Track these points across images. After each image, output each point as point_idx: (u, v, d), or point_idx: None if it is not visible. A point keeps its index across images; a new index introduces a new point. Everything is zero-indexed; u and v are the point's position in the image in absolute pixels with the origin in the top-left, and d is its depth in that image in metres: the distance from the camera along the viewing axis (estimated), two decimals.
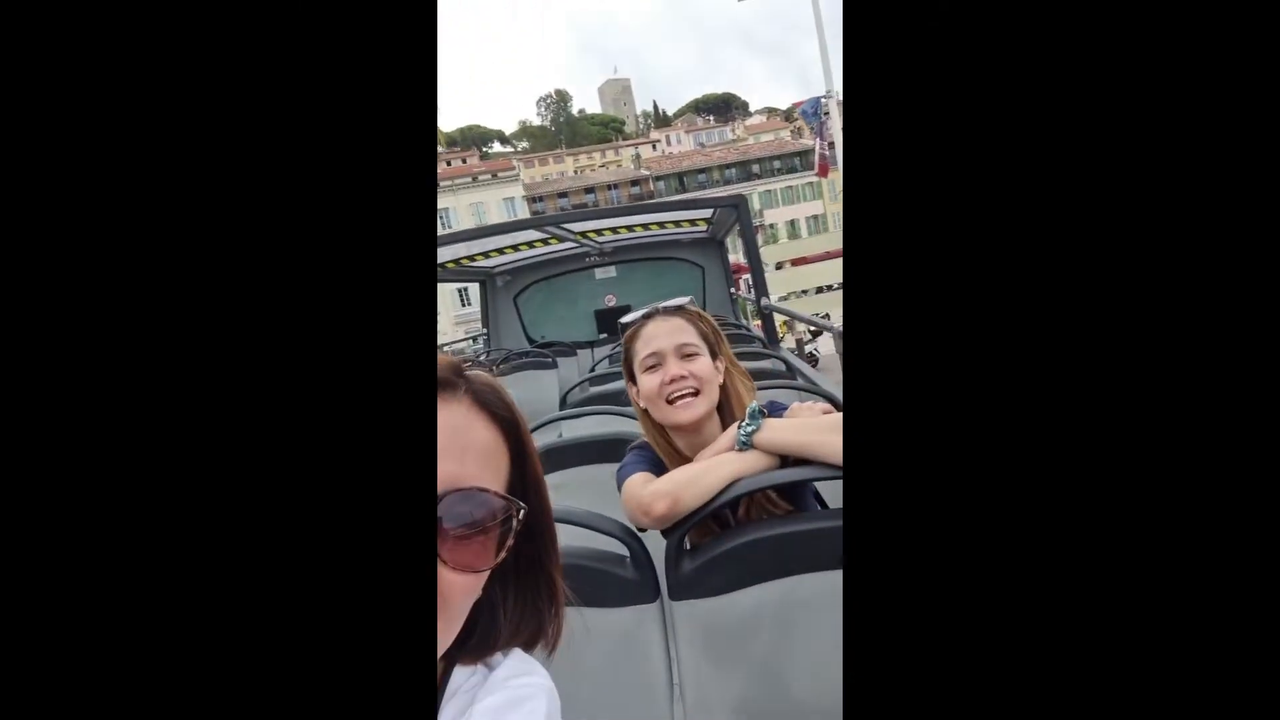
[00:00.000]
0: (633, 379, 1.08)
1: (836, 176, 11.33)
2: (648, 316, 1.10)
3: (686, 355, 1.03)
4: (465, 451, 0.44)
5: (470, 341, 6.97)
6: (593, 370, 3.07)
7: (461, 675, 0.49)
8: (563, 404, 2.31)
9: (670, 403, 1.01)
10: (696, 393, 1.01)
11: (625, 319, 1.13)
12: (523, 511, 0.46)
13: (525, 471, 0.49)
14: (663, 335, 1.05)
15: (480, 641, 0.50)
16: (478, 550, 0.44)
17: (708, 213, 4.23)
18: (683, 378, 1.01)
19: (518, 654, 0.52)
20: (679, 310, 1.10)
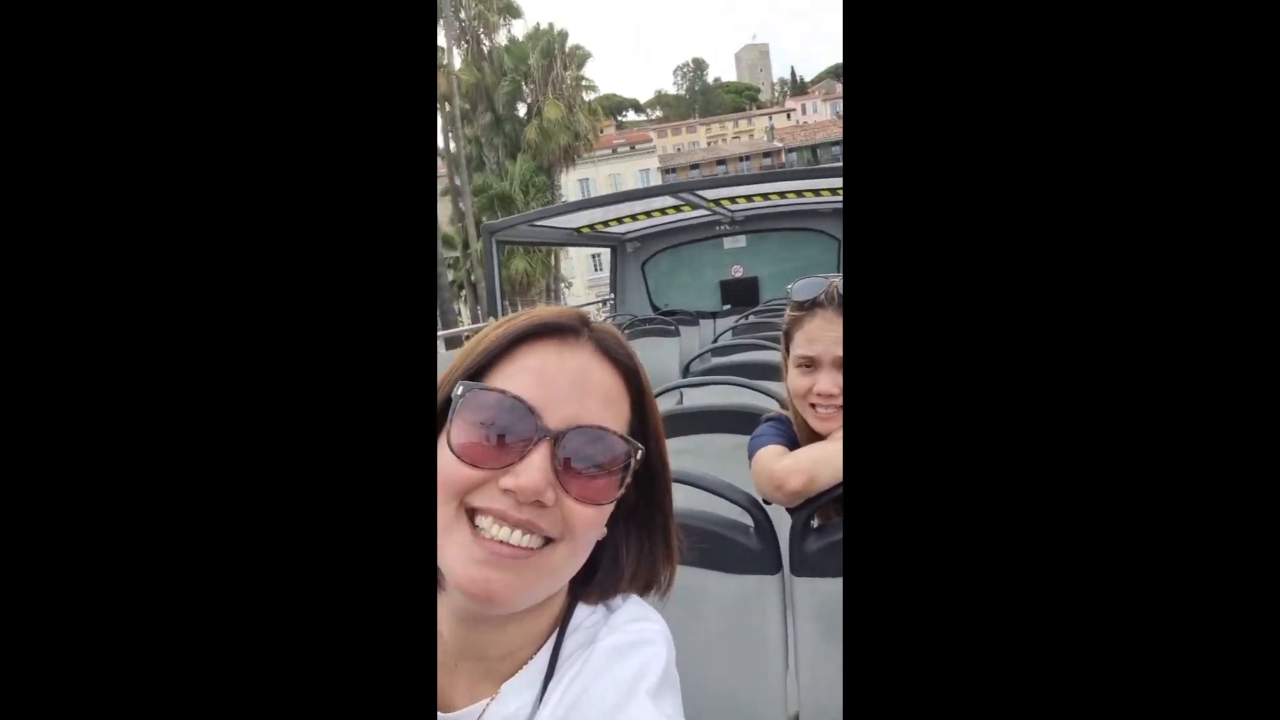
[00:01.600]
0: (787, 355, 1.00)
1: None
2: (817, 304, 0.95)
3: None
4: (586, 393, 0.46)
5: (600, 305, 7.16)
6: (716, 340, 3.03)
7: (583, 613, 0.51)
8: (685, 372, 2.30)
9: (812, 406, 0.94)
10: (841, 408, 0.91)
11: (796, 290, 0.99)
12: (640, 452, 0.47)
13: (645, 417, 0.50)
14: (826, 340, 0.93)
15: (603, 580, 0.51)
16: (599, 486, 0.45)
17: None
18: (831, 395, 0.92)
19: (636, 599, 0.53)
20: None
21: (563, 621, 0.50)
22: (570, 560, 0.47)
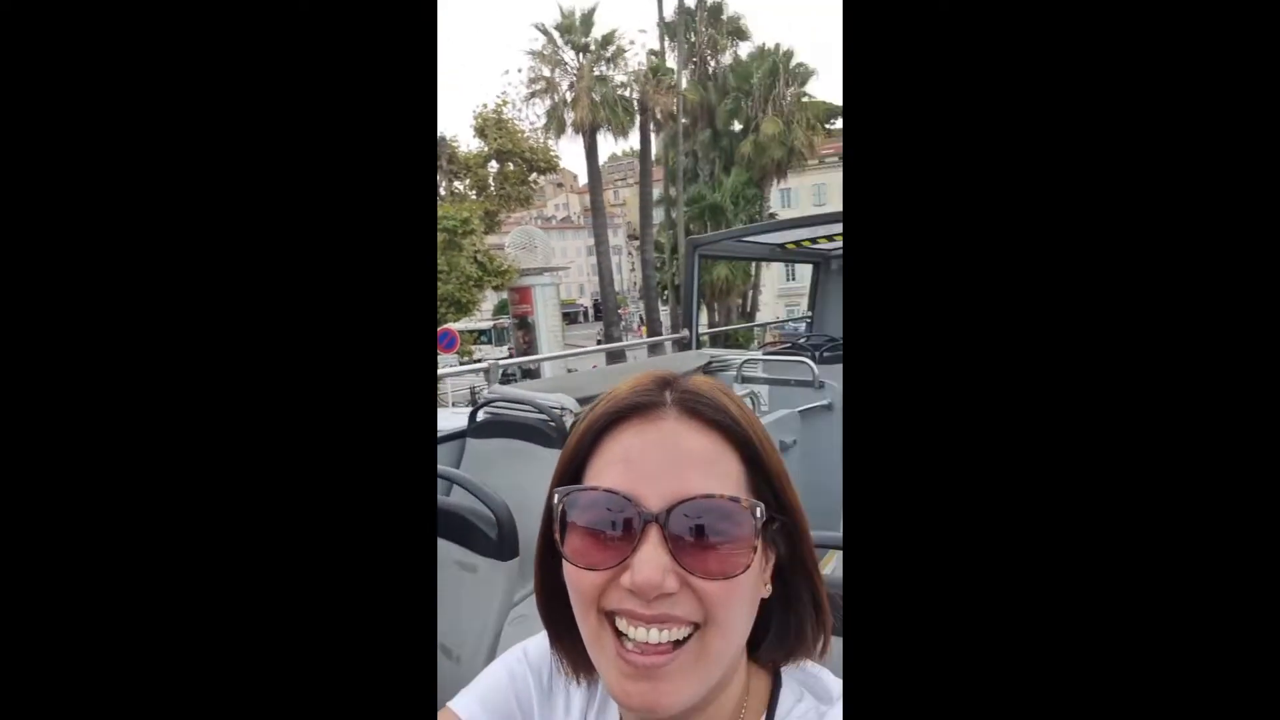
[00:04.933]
0: None
1: None
2: None
3: None
4: (680, 464, 0.42)
5: (788, 323, 6.86)
6: None
7: (789, 701, 0.47)
8: None
9: None
10: None
11: None
12: (760, 509, 0.42)
13: (760, 466, 0.45)
14: None
15: (778, 642, 0.48)
16: (724, 556, 0.41)
17: None
18: None
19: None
20: None
21: (768, 709, 0.47)
22: (724, 641, 0.42)
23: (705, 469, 0.43)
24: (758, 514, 0.42)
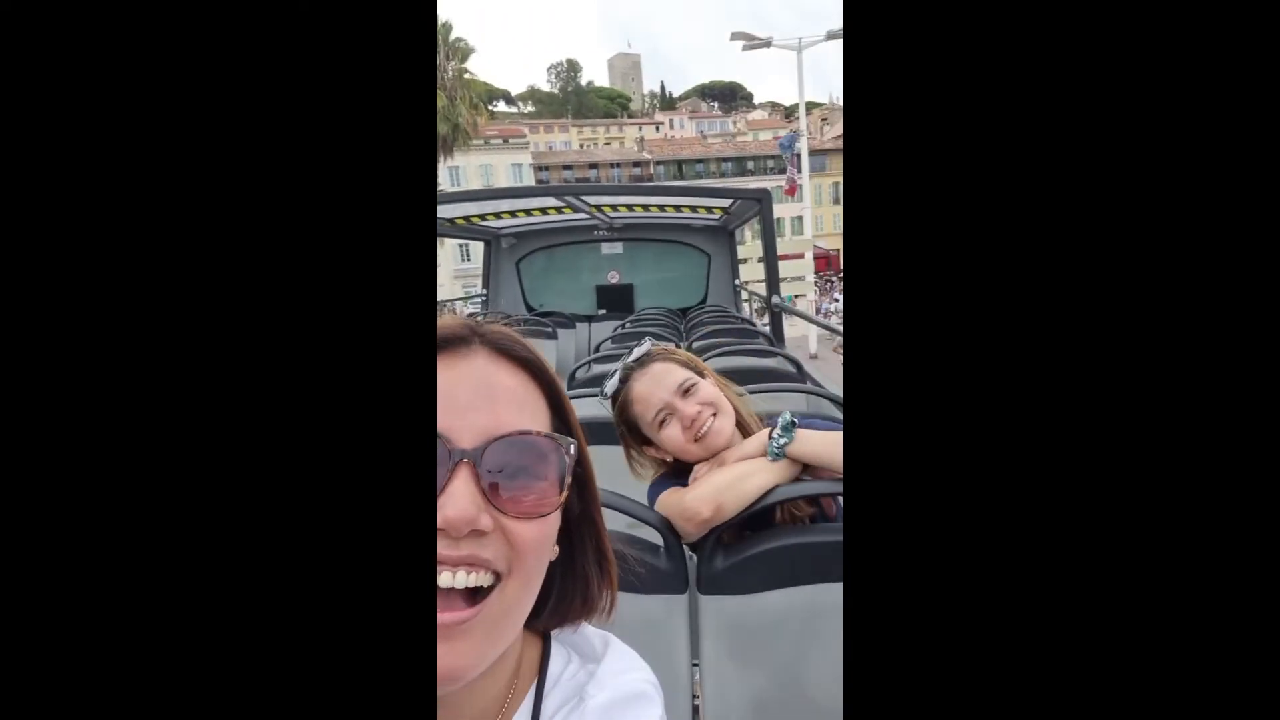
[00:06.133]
0: (644, 443, 1.04)
1: (806, 192, 12.41)
2: (625, 380, 1.05)
3: (688, 391, 0.99)
4: (494, 400, 0.41)
5: (464, 302, 6.81)
6: (597, 349, 3.00)
7: (558, 664, 0.46)
8: (571, 380, 2.26)
9: (699, 439, 0.97)
10: (716, 414, 0.98)
11: (607, 389, 1.08)
12: (573, 446, 0.42)
13: (564, 413, 0.45)
14: (655, 387, 1.00)
15: (556, 608, 0.46)
16: (536, 495, 0.40)
17: (726, 202, 4.13)
18: (699, 411, 0.98)
19: (617, 646, 0.48)
20: (649, 358, 1.05)
21: (539, 675, 0.45)
22: (525, 594, 0.41)
23: (517, 406, 0.41)
24: (569, 452, 0.42)
